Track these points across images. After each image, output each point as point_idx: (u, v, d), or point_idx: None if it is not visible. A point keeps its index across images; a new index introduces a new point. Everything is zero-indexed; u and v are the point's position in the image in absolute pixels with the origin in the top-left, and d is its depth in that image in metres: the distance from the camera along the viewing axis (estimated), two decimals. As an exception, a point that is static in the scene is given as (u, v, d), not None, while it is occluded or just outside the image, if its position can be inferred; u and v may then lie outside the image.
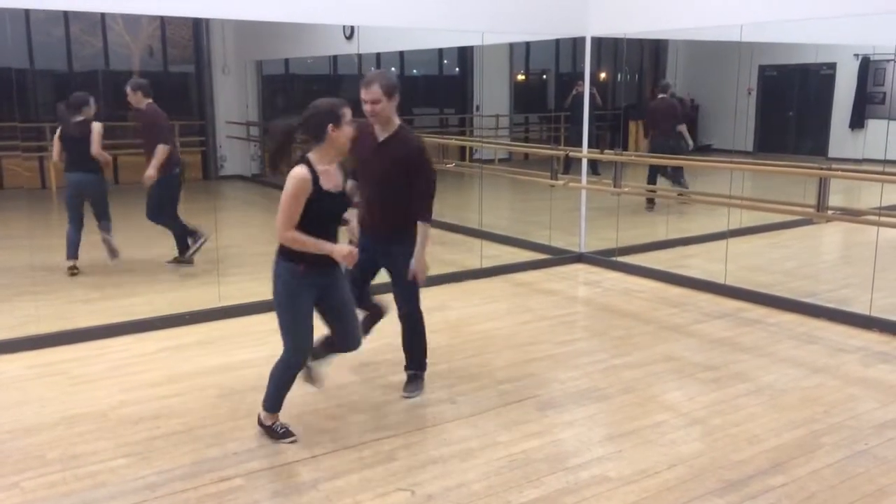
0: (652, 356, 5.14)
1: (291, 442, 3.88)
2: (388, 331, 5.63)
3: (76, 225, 7.01)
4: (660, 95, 10.57)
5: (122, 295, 6.58)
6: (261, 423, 3.98)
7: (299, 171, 3.56)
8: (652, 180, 9.85)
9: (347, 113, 3.63)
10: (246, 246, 8.38)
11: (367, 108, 4.06)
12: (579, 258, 7.89)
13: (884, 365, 5.00)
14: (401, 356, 5.08)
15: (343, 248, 3.68)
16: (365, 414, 4.23)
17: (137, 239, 7.54)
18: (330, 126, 3.58)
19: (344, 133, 3.62)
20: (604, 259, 7.74)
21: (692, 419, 4.17)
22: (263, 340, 5.45)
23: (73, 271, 6.99)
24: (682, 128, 10.24)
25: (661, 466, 3.64)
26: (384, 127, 4.15)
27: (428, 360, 4.61)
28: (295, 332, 3.78)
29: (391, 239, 4.29)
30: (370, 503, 3.34)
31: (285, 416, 4.00)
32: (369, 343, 5.36)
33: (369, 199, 4.27)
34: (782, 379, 4.74)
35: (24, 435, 3.98)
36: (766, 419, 4.16)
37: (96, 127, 6.79)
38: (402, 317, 4.52)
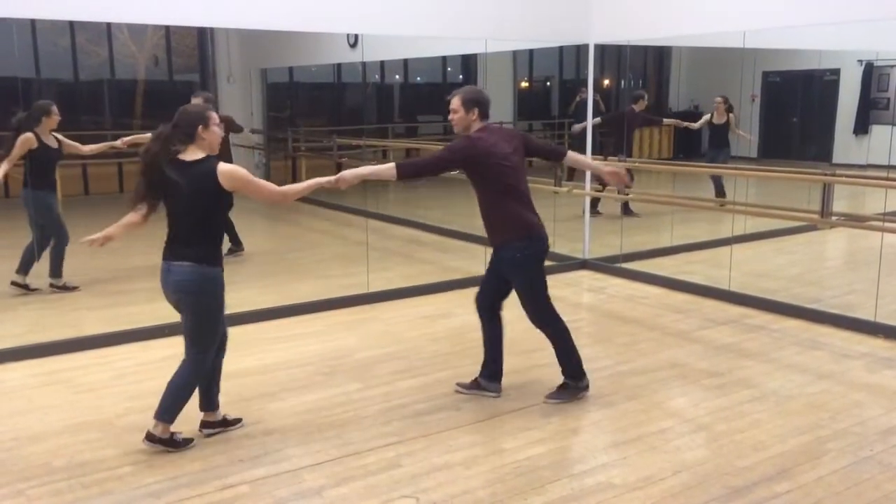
0: (656, 362, 5.14)
1: (192, 446, 3.91)
2: (391, 338, 5.64)
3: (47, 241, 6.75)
4: (634, 107, 10.56)
5: (127, 303, 6.60)
6: (157, 439, 3.83)
7: (231, 166, 3.80)
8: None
9: (214, 116, 3.86)
10: (249, 254, 8.40)
11: (449, 116, 4.40)
12: (583, 265, 7.89)
13: (889, 371, 4.99)
14: (405, 362, 5.10)
15: (321, 179, 4.05)
16: (369, 420, 4.23)
17: (141, 247, 7.55)
18: (199, 127, 3.78)
19: (212, 132, 3.82)
20: (608, 265, 7.74)
21: (697, 425, 4.16)
22: (267, 348, 5.47)
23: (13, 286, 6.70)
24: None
25: (665, 473, 3.64)
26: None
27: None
28: (217, 330, 3.95)
29: (493, 240, 4.46)
30: (375, 510, 3.35)
31: (283, 424, 4.00)
32: (373, 350, 5.37)
33: None
34: (787, 385, 4.73)
35: (30, 443, 3.99)
36: (771, 425, 4.15)
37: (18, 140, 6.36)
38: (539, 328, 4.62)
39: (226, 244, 7.39)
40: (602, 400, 4.52)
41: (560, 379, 4.51)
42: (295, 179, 13.44)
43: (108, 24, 11.62)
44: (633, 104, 10.52)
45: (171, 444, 3.87)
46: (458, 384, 4.63)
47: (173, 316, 5.93)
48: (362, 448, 3.91)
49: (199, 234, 3.80)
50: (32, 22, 10.58)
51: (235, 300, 6.23)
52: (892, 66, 12.15)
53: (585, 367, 5.04)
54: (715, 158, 10.19)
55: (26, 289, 6.72)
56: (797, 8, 6.15)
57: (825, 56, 11.81)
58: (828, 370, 4.99)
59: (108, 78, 12.76)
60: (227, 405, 4.44)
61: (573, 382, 4.52)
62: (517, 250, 4.36)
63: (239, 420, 4.18)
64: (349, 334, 5.79)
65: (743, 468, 3.68)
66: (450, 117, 4.38)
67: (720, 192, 10.05)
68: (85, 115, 12.80)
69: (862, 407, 4.40)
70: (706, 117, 10.46)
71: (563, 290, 7.16)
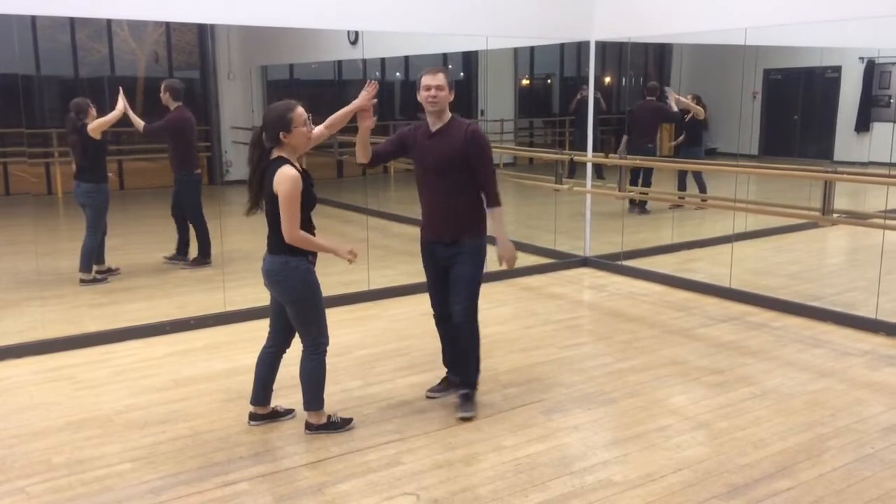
0: (657, 360, 5.14)
1: (352, 427, 4.06)
2: (392, 335, 5.64)
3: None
4: (647, 98, 10.56)
5: (128, 300, 6.60)
6: (313, 427, 4.02)
7: (290, 172, 3.69)
8: (634, 182, 9.79)
9: (297, 116, 3.74)
10: (251, 251, 8.38)
11: (429, 93, 4.06)
12: (584, 262, 7.89)
13: (890, 368, 4.98)
14: (406, 359, 5.08)
15: (346, 247, 3.87)
16: (370, 418, 4.23)
17: (143, 244, 7.56)
18: (281, 133, 3.73)
19: (296, 135, 3.75)
20: (609, 263, 7.74)
21: (698, 423, 4.16)
22: (269, 345, 5.46)
23: (96, 276, 7.04)
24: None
25: (666, 470, 3.64)
26: (439, 118, 4.14)
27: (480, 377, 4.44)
28: (318, 319, 3.94)
29: (451, 234, 4.20)
30: (375, 507, 3.35)
31: (283, 421, 3.99)
32: (374, 347, 5.37)
33: (429, 197, 4.21)
34: (788, 382, 4.73)
35: (31, 439, 4.00)
36: (771, 423, 4.15)
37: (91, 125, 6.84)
38: (459, 325, 4.28)
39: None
40: (603, 397, 4.51)
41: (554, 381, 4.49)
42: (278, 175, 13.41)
43: (109, 21, 11.58)
44: (651, 96, 10.50)
45: (331, 426, 4.03)
46: (428, 392, 4.50)
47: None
48: (363, 445, 3.90)
49: (278, 227, 3.78)
50: (33, 18, 10.56)
51: (236, 298, 6.26)
52: (893, 64, 12.11)
53: (586, 364, 5.07)
54: (686, 156, 10.22)
55: (111, 272, 7.11)
56: (799, 5, 6.14)
57: (826, 53, 11.79)
58: (829, 368, 4.99)
59: (109, 75, 12.73)
60: (228, 402, 4.45)
61: (471, 391, 4.35)
62: (482, 240, 4.23)
63: (291, 410, 4.25)
64: (350, 331, 5.78)
65: (743, 466, 3.68)
66: (431, 94, 4.05)
67: (683, 187, 10.03)
68: (85, 113, 12.76)
69: (863, 404, 4.40)
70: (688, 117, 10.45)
71: (563, 287, 7.17)
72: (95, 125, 6.79)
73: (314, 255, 3.90)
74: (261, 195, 3.80)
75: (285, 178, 3.67)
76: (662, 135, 10.90)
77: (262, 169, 3.76)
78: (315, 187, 3.85)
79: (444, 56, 14.58)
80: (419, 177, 4.27)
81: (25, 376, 4.92)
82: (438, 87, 4.06)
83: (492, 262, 4.40)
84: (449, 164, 4.10)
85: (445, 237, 4.20)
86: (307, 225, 3.85)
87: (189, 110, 7.54)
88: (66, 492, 3.48)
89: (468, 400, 4.31)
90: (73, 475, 3.62)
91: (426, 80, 4.09)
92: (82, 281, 6.91)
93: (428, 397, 4.48)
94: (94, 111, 6.90)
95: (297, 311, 3.90)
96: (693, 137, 10.44)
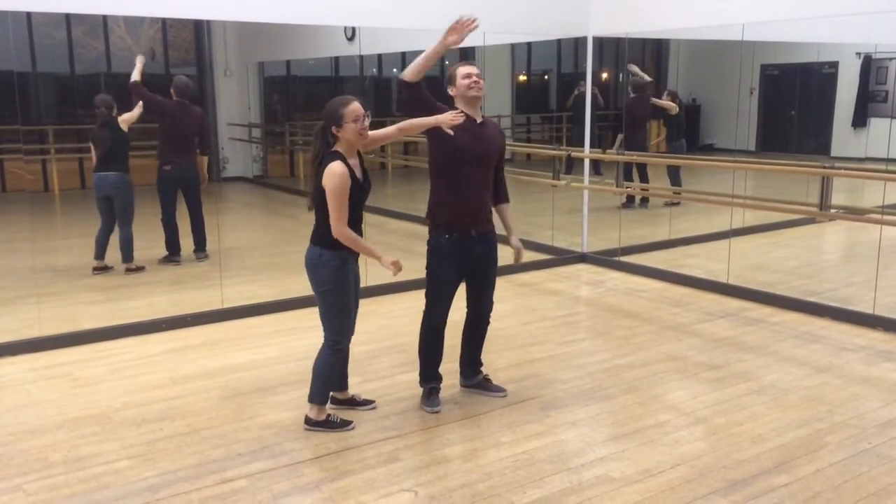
0: (655, 356, 5.14)
1: (352, 429, 4.01)
2: (389, 332, 5.64)
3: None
4: (632, 95, 10.55)
5: (125, 297, 6.59)
6: (312, 422, 4.01)
7: (338, 168, 3.69)
8: (628, 177, 9.76)
9: (349, 112, 3.71)
10: (248, 248, 8.39)
11: (471, 80, 4.03)
12: (582, 258, 7.88)
13: (887, 364, 4.99)
14: (404, 356, 5.08)
15: (391, 258, 3.84)
16: (368, 414, 4.23)
17: (140, 240, 7.55)
18: (333, 128, 3.73)
19: (347, 130, 3.72)
20: (606, 259, 7.74)
21: (695, 419, 4.16)
22: (266, 342, 5.46)
23: (97, 271, 7.14)
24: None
25: (664, 466, 3.64)
26: (475, 110, 4.12)
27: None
28: (342, 317, 3.93)
29: (487, 228, 4.25)
30: (373, 504, 3.35)
31: (281, 418, 3.99)
32: (372, 344, 5.37)
33: (471, 188, 4.11)
34: (785, 378, 4.74)
35: (27, 437, 3.99)
36: (769, 418, 4.15)
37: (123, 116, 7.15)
38: (486, 321, 4.45)
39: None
40: (600, 393, 4.52)
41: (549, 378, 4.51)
42: (292, 173, 13.43)
43: (105, 18, 11.56)
44: (635, 92, 10.49)
45: (329, 425, 4.01)
46: (437, 409, 4.27)
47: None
48: (361, 442, 3.90)
49: (321, 218, 3.80)
50: (28, 15, 10.54)
51: (232, 294, 6.25)
52: (890, 59, 12.11)
53: (583, 360, 5.07)
54: (669, 152, 10.24)
55: (106, 269, 7.21)
56: (796, 1, 6.14)
57: (823, 49, 11.79)
58: (826, 363, 4.99)
59: (105, 71, 12.70)
60: (225, 399, 4.45)
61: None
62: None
63: (371, 402, 4.28)
64: (347, 328, 5.77)
65: (741, 461, 3.68)
66: (474, 80, 4.01)
67: (676, 183, 10.06)
68: (81, 109, 12.74)
69: (860, 400, 4.41)
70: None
71: (561, 283, 7.17)
72: (127, 117, 7.09)
73: (351, 251, 3.86)
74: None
75: (332, 174, 3.66)
76: (660, 132, 10.92)
77: (319, 162, 3.76)
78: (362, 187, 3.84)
79: (441, 52, 14.54)
80: (456, 167, 4.06)
81: (22, 374, 4.91)
82: (478, 76, 4.05)
83: (502, 258, 4.43)
84: (494, 157, 4.20)
85: (484, 229, 4.22)
86: (356, 222, 3.83)
87: (184, 108, 7.48)
88: (63, 489, 3.47)
89: (492, 382, 4.52)
90: (70, 473, 3.61)
91: (467, 69, 4.05)
92: (128, 270, 7.15)
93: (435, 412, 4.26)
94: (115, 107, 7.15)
95: (321, 303, 3.93)
96: (672, 133, 10.46)
